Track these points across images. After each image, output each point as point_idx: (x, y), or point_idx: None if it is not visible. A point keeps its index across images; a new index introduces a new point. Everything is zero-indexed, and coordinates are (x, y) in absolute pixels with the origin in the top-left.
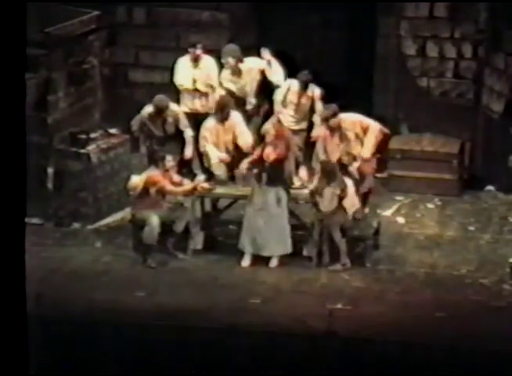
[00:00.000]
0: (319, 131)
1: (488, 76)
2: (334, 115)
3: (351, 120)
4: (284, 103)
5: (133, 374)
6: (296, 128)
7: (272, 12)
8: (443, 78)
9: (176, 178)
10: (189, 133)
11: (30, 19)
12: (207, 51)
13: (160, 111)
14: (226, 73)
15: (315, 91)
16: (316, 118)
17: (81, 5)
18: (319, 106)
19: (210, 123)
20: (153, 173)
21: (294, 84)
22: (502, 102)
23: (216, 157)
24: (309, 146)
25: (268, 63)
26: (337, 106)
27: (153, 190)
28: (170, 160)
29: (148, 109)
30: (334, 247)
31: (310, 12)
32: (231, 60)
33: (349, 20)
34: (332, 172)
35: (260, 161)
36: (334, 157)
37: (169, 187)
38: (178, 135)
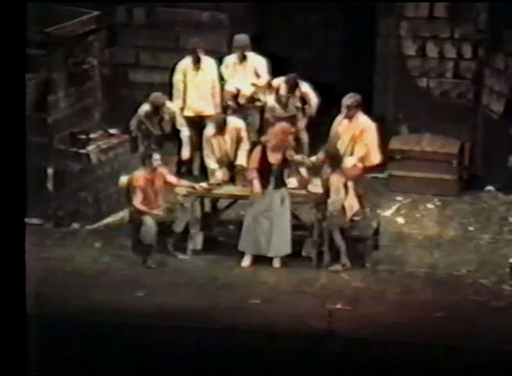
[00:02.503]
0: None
1: (488, 76)
2: (357, 106)
3: (362, 119)
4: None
5: (133, 374)
6: (285, 115)
7: (272, 12)
8: (443, 78)
9: (171, 178)
10: (185, 133)
11: (30, 19)
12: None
13: (157, 109)
14: (231, 60)
15: (303, 87)
16: (311, 110)
17: (80, 5)
18: (314, 100)
19: (209, 132)
20: (138, 173)
21: (282, 86)
22: (502, 102)
23: (220, 178)
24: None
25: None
26: (361, 98)
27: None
28: (157, 159)
29: (145, 107)
30: (334, 248)
31: (310, 12)
32: (239, 51)
33: (349, 20)
34: (337, 158)
35: (266, 167)
36: (344, 144)
37: (138, 199)
38: (176, 135)
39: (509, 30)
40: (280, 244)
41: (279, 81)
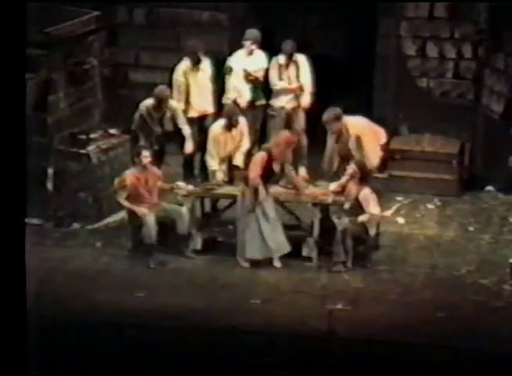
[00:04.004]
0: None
1: (488, 76)
2: (336, 119)
3: (361, 124)
4: (280, 78)
5: (133, 374)
6: (291, 105)
7: (272, 13)
8: (443, 79)
9: (161, 184)
10: (186, 130)
11: (30, 20)
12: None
13: (160, 103)
14: (241, 53)
15: (299, 57)
16: (306, 85)
17: (80, 5)
18: (305, 72)
19: (217, 130)
20: (128, 172)
21: (281, 57)
22: (502, 102)
23: (220, 179)
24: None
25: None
26: (340, 110)
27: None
28: (146, 156)
29: (148, 101)
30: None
31: (310, 12)
32: (248, 43)
33: (349, 20)
34: (367, 172)
35: (269, 174)
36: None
37: (121, 196)
38: (179, 134)
39: (509, 30)
40: (283, 242)
41: (277, 58)
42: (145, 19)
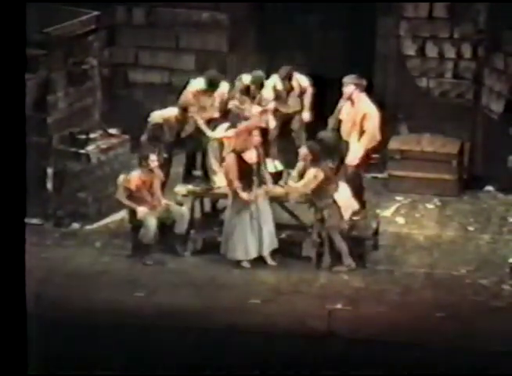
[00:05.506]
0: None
1: (488, 76)
2: (353, 85)
3: (364, 104)
4: (276, 99)
5: (133, 374)
6: (291, 111)
7: (272, 12)
8: (443, 78)
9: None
10: (214, 134)
11: (30, 20)
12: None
13: (186, 111)
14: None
15: (303, 81)
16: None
17: (80, 5)
18: (308, 93)
19: (220, 135)
20: (133, 174)
21: (278, 82)
22: (502, 102)
23: (223, 182)
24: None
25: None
26: (364, 82)
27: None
28: (154, 160)
29: (168, 112)
30: (335, 250)
31: (310, 12)
32: (254, 87)
33: (349, 20)
34: (318, 155)
35: (245, 168)
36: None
37: (122, 195)
38: (184, 141)
39: (509, 30)
40: (270, 239)
41: (274, 79)
42: (144, 19)
